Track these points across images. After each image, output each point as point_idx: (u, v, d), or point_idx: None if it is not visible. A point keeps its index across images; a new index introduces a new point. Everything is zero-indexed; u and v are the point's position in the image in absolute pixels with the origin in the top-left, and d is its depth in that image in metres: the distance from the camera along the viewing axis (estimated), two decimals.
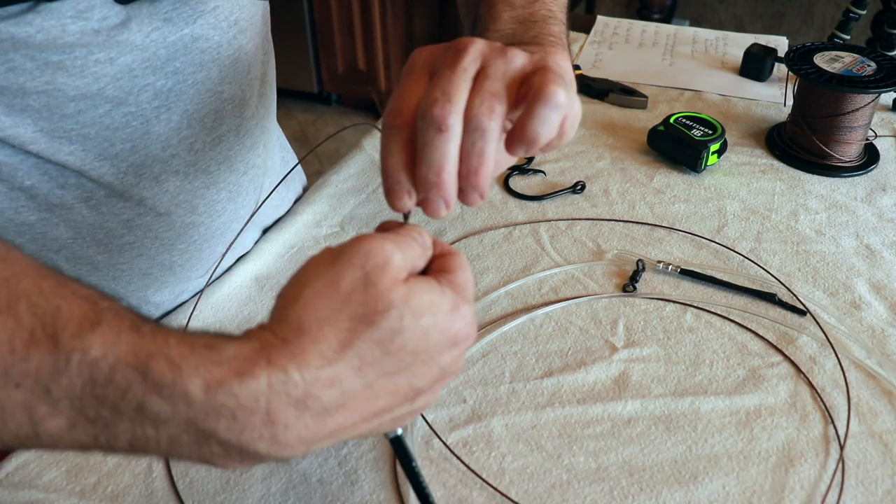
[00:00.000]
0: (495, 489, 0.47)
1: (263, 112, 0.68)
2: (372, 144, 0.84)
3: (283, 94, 3.00)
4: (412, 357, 0.33)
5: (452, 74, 0.37)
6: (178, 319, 0.60)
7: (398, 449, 0.41)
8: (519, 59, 0.39)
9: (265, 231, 0.73)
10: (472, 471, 0.48)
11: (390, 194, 0.39)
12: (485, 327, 0.59)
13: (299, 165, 0.85)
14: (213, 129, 0.60)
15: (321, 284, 0.33)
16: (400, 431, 0.41)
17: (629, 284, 0.63)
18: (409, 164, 0.38)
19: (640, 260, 0.64)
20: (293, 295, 0.33)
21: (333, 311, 0.32)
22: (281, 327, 0.32)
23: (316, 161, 2.59)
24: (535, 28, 0.52)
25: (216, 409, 0.30)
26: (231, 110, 0.62)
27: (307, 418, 0.31)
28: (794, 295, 0.62)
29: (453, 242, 0.68)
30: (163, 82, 0.54)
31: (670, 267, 0.64)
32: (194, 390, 0.29)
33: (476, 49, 0.39)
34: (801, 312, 0.60)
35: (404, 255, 0.35)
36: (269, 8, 0.70)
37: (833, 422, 0.51)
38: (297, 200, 0.80)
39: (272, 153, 0.74)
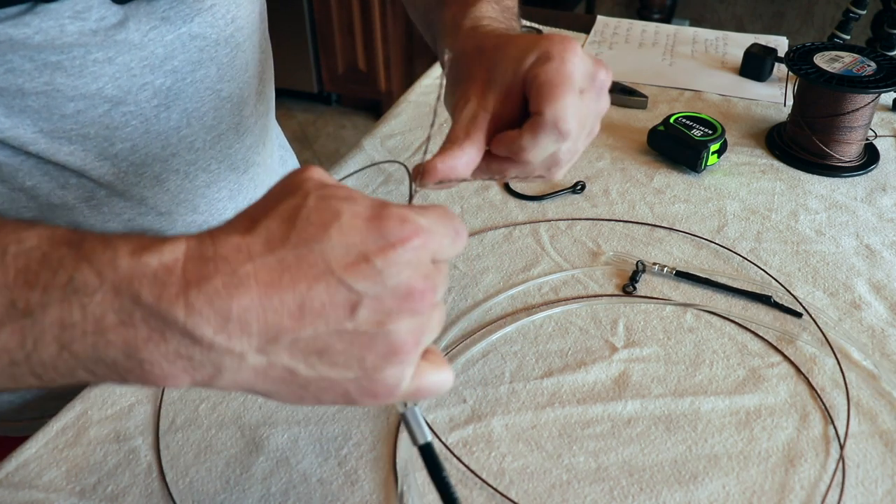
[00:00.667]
0: (495, 489, 0.47)
1: (262, 110, 0.68)
2: (372, 145, 0.84)
3: (283, 94, 3.02)
4: (320, 232, 0.30)
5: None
6: None
7: (427, 457, 0.38)
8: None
9: None
10: (472, 471, 0.48)
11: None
12: (484, 328, 0.59)
13: (298, 165, 0.85)
14: (213, 128, 0.60)
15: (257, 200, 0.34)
16: (429, 437, 0.38)
17: (629, 285, 0.63)
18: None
19: (639, 261, 0.64)
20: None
21: (253, 206, 0.33)
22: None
23: (316, 161, 2.59)
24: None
25: (140, 270, 0.29)
26: (230, 108, 0.62)
27: (218, 282, 0.29)
28: (794, 296, 0.62)
29: None
30: (161, 81, 0.54)
31: (665, 269, 0.64)
32: (122, 254, 0.30)
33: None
34: (798, 315, 0.60)
35: (336, 181, 0.34)
36: (265, 6, 0.70)
37: (833, 422, 0.51)
38: None
39: (271, 152, 0.74)
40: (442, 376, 0.35)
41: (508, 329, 0.59)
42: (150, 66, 0.53)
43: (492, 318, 0.60)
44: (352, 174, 0.73)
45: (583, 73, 0.43)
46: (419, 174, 0.42)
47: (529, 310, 0.61)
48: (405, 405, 0.38)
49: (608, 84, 0.45)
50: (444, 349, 0.57)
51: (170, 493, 0.47)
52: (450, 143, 0.43)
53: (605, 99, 0.46)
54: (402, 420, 0.39)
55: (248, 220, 0.32)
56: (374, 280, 0.30)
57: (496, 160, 0.45)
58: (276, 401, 0.34)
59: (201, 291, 0.29)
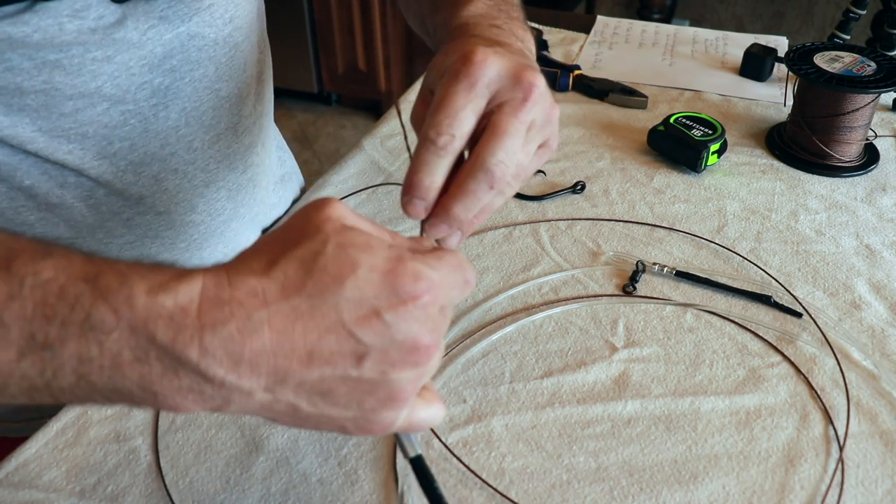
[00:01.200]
0: (495, 489, 0.47)
1: (261, 110, 0.68)
2: (372, 145, 0.84)
3: (283, 94, 3.02)
4: (335, 284, 0.31)
5: (519, 129, 0.40)
6: None
7: (417, 470, 0.40)
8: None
9: (265, 231, 0.73)
10: (472, 471, 0.48)
11: (412, 207, 0.41)
12: (484, 328, 0.59)
13: (297, 166, 0.85)
14: (212, 128, 0.60)
15: (271, 233, 0.35)
16: (420, 450, 0.40)
17: (629, 285, 0.63)
18: (442, 187, 0.40)
19: (639, 261, 0.64)
20: (252, 244, 0.35)
21: (271, 241, 0.34)
22: (229, 260, 0.34)
23: (316, 161, 2.59)
24: (507, 16, 0.51)
25: (156, 311, 0.30)
26: (229, 108, 0.62)
27: (233, 327, 0.30)
28: (794, 296, 0.62)
29: None
30: (160, 80, 0.55)
31: (665, 269, 0.64)
32: (138, 292, 0.30)
33: (540, 95, 0.41)
34: (798, 315, 0.60)
35: (359, 218, 0.35)
36: (263, 7, 0.70)
37: (833, 422, 0.51)
38: (295, 201, 0.80)
39: (269, 152, 0.74)
40: (432, 412, 0.37)
41: (508, 329, 0.59)
42: (149, 65, 0.53)
43: (492, 318, 0.60)
44: (359, 191, 0.73)
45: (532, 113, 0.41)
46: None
47: (529, 310, 0.61)
48: None
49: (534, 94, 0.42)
50: (444, 349, 0.57)
51: (169, 494, 0.47)
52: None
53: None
54: (395, 434, 0.39)
55: (266, 259, 0.32)
56: (382, 334, 0.32)
57: None
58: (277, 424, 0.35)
59: (216, 335, 0.30)
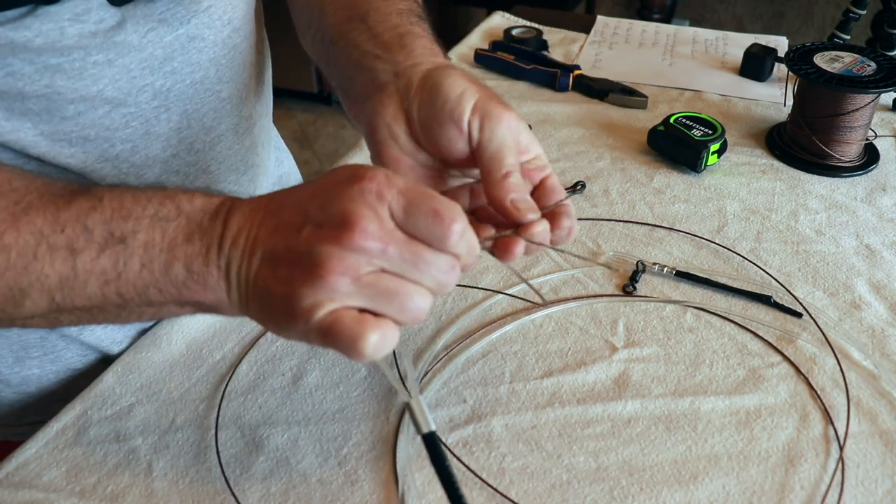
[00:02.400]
0: (495, 489, 0.47)
1: (261, 111, 0.68)
2: None
3: (283, 94, 3.02)
4: (309, 184, 0.39)
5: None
6: (181, 319, 0.60)
7: (430, 446, 0.40)
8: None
9: None
10: (472, 471, 0.48)
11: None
12: (485, 327, 0.59)
13: (295, 166, 0.85)
14: (213, 129, 0.61)
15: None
16: (434, 426, 0.40)
17: (629, 285, 0.63)
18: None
19: (639, 261, 0.64)
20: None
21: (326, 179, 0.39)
22: None
23: (316, 161, 2.59)
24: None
25: (207, 206, 0.40)
26: (230, 109, 0.62)
27: (247, 206, 0.40)
28: (794, 296, 0.62)
29: None
30: (161, 82, 0.55)
31: (665, 269, 0.64)
32: (198, 195, 0.40)
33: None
34: (798, 315, 0.60)
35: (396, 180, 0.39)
36: (262, 9, 0.70)
37: (833, 422, 0.51)
38: None
39: (269, 153, 0.74)
40: (354, 328, 0.35)
41: (508, 328, 0.59)
42: (150, 67, 0.53)
43: (492, 318, 0.60)
44: None
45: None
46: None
47: (529, 310, 0.61)
48: (409, 394, 0.39)
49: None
50: (444, 349, 0.57)
51: (170, 494, 0.47)
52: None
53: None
54: (407, 408, 0.40)
55: (301, 186, 0.40)
56: (321, 205, 0.37)
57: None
58: (262, 325, 0.41)
59: (231, 218, 0.39)
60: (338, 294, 0.35)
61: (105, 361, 0.63)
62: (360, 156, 0.82)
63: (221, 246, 0.38)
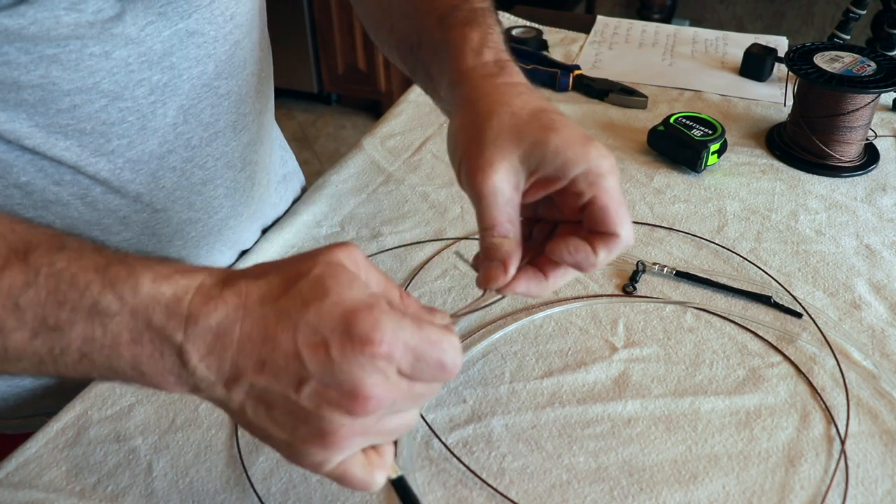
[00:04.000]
0: (495, 489, 0.47)
1: (260, 108, 0.68)
2: (372, 145, 0.84)
3: (283, 94, 3.02)
4: (303, 305, 0.34)
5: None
6: None
7: (399, 491, 0.41)
8: None
9: (265, 231, 0.73)
10: (472, 471, 0.48)
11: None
12: (485, 327, 0.59)
13: (298, 166, 0.85)
14: (210, 125, 0.60)
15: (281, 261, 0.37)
16: (401, 472, 0.41)
17: (629, 285, 0.63)
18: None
19: (640, 261, 0.64)
20: None
21: (282, 260, 0.37)
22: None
23: (316, 161, 2.59)
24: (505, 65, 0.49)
25: (156, 298, 0.34)
26: (228, 106, 0.62)
27: (213, 320, 0.34)
28: (793, 296, 0.62)
29: (453, 243, 0.68)
30: (159, 77, 0.54)
31: (665, 269, 0.64)
32: (143, 282, 0.35)
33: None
34: (798, 315, 0.60)
35: (369, 267, 0.37)
36: (265, 4, 0.70)
37: (833, 421, 0.51)
38: (295, 200, 0.80)
39: (269, 151, 0.74)
40: (366, 476, 0.37)
41: (509, 329, 0.59)
42: (148, 61, 0.53)
43: (492, 318, 0.60)
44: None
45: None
46: (489, 280, 0.43)
47: (530, 310, 0.61)
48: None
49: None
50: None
51: (170, 494, 0.47)
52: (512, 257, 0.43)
53: None
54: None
55: (263, 269, 0.36)
56: (325, 367, 0.33)
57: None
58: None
59: (199, 325, 0.34)
60: (347, 452, 0.36)
61: None
62: (361, 156, 0.82)
63: (184, 360, 0.34)
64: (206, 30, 0.57)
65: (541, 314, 0.60)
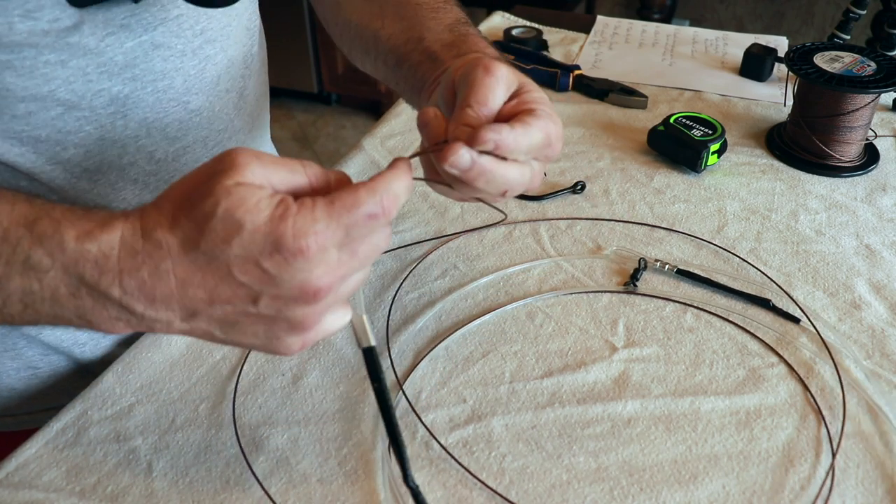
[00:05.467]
0: (494, 491, 0.47)
1: (241, 126, 0.67)
2: (372, 145, 0.84)
3: (283, 94, 3.03)
4: (224, 244, 0.36)
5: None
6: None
7: (368, 360, 0.44)
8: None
9: None
10: (471, 472, 0.48)
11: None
12: (484, 315, 0.59)
13: None
14: (177, 140, 0.59)
15: (186, 176, 0.38)
16: (373, 342, 0.44)
17: (630, 282, 0.63)
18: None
19: (642, 258, 0.64)
20: (170, 185, 0.39)
21: (180, 196, 0.38)
22: (147, 204, 0.39)
23: (316, 161, 2.59)
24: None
25: (83, 256, 0.37)
26: (198, 122, 0.60)
27: (144, 272, 0.36)
28: (791, 298, 0.62)
29: (452, 240, 0.69)
30: (119, 88, 0.53)
31: (667, 266, 0.64)
32: (68, 239, 0.37)
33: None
34: (796, 320, 0.59)
35: (267, 170, 0.37)
36: (258, 22, 0.69)
37: (832, 422, 0.51)
38: None
39: None
40: (337, 318, 0.40)
41: (512, 306, 0.59)
42: (108, 72, 0.52)
43: (491, 306, 0.60)
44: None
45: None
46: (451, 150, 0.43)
47: (525, 298, 0.61)
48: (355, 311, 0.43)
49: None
50: (444, 348, 0.57)
51: (170, 494, 0.47)
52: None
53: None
54: (351, 324, 0.43)
55: (172, 214, 0.37)
56: (268, 282, 0.36)
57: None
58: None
59: (132, 278, 0.37)
60: (321, 326, 0.40)
61: (74, 363, 0.62)
62: (361, 157, 0.82)
63: (130, 309, 0.37)
64: (172, 43, 0.56)
65: (540, 300, 0.60)
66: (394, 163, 0.39)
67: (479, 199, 0.49)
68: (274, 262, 0.36)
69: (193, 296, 0.37)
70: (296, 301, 0.37)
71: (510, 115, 0.45)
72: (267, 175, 0.37)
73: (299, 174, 0.38)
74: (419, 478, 0.48)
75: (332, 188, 0.39)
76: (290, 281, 0.36)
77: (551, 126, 0.45)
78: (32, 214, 0.38)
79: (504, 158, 0.43)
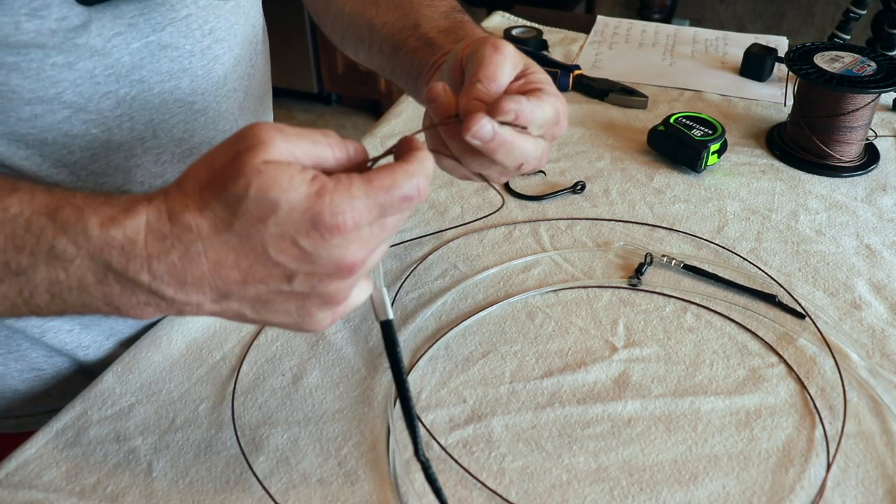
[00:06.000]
0: (493, 491, 0.47)
1: (244, 125, 0.66)
2: (372, 145, 0.84)
3: (283, 94, 3.02)
4: (260, 224, 0.35)
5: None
6: (181, 318, 0.60)
7: (386, 334, 0.45)
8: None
9: None
10: (471, 473, 0.48)
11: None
12: (484, 309, 0.59)
13: None
14: (184, 141, 0.59)
15: (208, 155, 0.38)
16: (391, 315, 0.44)
17: (633, 277, 0.63)
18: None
19: (648, 253, 0.64)
20: (191, 165, 0.38)
21: (206, 176, 0.37)
22: (169, 186, 0.38)
23: None
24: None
25: (109, 242, 0.36)
26: (204, 122, 0.60)
27: (174, 256, 0.36)
28: (792, 296, 0.62)
29: (453, 240, 0.69)
30: (126, 90, 0.53)
31: (673, 262, 0.64)
32: (92, 226, 0.36)
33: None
34: (801, 316, 0.60)
35: (291, 143, 0.37)
36: (261, 19, 0.68)
37: (832, 422, 0.51)
38: None
39: None
40: (361, 291, 0.41)
41: (515, 299, 0.59)
42: (115, 74, 0.51)
43: (489, 301, 0.60)
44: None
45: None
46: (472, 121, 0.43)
47: (526, 292, 0.61)
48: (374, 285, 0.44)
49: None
50: (444, 347, 0.57)
51: (170, 494, 0.47)
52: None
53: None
54: (370, 298, 0.44)
55: (199, 196, 0.36)
56: (304, 260, 0.36)
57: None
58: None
59: (161, 263, 0.36)
60: (350, 300, 0.41)
61: (77, 365, 0.62)
62: None
63: (160, 294, 0.37)
64: (180, 43, 0.55)
65: (540, 293, 0.60)
66: (405, 142, 0.40)
67: (482, 178, 0.49)
68: (311, 240, 0.36)
69: (227, 277, 0.37)
70: (330, 277, 0.37)
71: (517, 93, 0.46)
72: (291, 149, 0.37)
73: (322, 144, 0.38)
74: (419, 478, 0.48)
75: (352, 158, 0.39)
76: (327, 257, 0.36)
77: (559, 103, 0.46)
78: (53, 203, 0.37)
79: (523, 129, 0.45)
